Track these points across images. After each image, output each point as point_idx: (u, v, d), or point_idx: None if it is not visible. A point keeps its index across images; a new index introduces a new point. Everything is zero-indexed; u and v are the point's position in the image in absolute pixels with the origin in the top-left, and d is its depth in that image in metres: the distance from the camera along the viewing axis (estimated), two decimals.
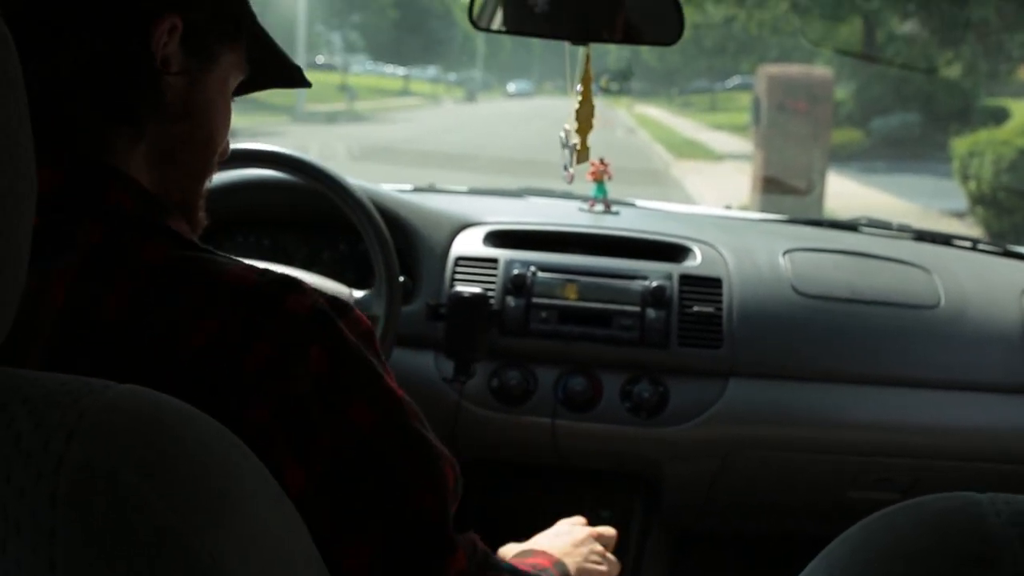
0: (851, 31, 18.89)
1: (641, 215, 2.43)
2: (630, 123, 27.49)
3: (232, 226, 2.23)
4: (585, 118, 1.56)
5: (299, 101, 24.69)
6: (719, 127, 24.74)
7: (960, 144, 11.50)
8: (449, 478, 0.91)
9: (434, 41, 37.16)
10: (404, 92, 36.85)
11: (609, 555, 1.37)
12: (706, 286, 2.09)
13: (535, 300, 2.06)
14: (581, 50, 1.59)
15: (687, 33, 1.58)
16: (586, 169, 2.37)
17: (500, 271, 2.10)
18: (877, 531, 0.61)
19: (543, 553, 1.26)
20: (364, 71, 38.08)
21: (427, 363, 2.06)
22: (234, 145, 1.87)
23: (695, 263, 2.14)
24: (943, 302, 2.11)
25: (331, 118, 24.80)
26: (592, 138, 1.61)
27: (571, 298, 2.07)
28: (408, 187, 2.50)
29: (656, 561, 2.19)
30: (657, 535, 2.18)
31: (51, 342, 0.83)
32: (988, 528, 0.56)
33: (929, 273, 2.18)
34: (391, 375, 0.90)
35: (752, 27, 18.41)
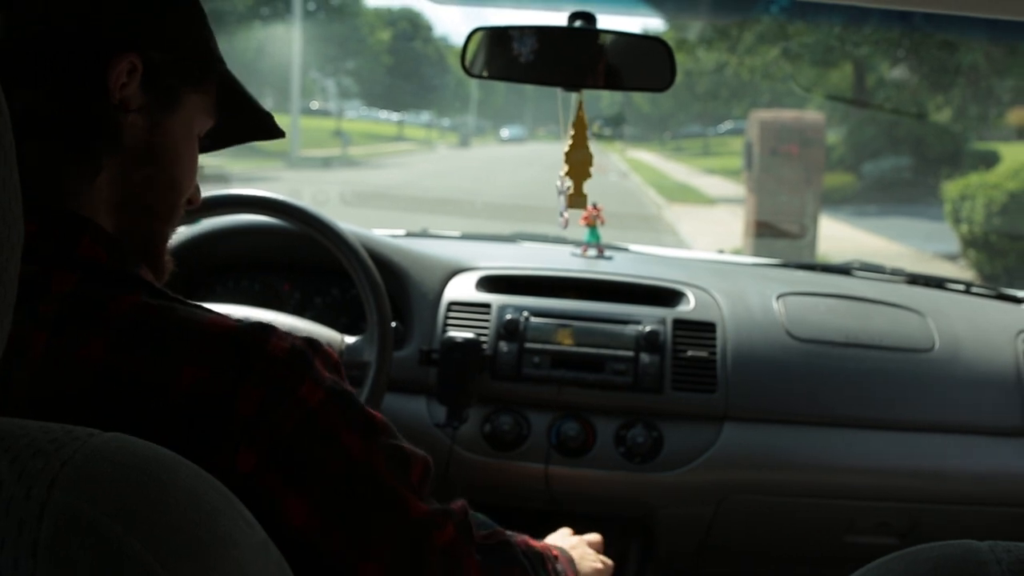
0: (842, 76, 19.07)
1: (634, 260, 2.43)
2: (623, 167, 27.62)
3: (224, 271, 2.23)
4: (578, 164, 1.56)
5: (293, 146, 24.83)
6: (712, 171, 24.89)
7: (952, 187, 11.58)
8: (417, 471, 0.96)
9: (428, 87, 37.46)
10: (398, 137, 37.08)
11: (603, 557, 1.46)
12: (700, 330, 2.09)
13: (528, 345, 2.06)
14: (574, 96, 1.60)
15: (679, 78, 1.59)
16: (580, 214, 2.37)
17: (493, 316, 2.10)
18: None
19: (544, 543, 1.30)
20: (358, 116, 38.33)
21: (419, 408, 2.05)
22: (227, 191, 1.89)
23: (689, 307, 2.14)
24: (937, 346, 2.11)
25: (326, 163, 24.92)
26: (586, 183, 1.61)
27: (564, 343, 2.06)
28: (401, 232, 2.50)
29: None
30: None
31: (31, 391, 0.83)
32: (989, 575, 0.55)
33: (923, 317, 2.18)
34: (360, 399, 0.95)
35: (744, 73, 18.55)
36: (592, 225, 2.40)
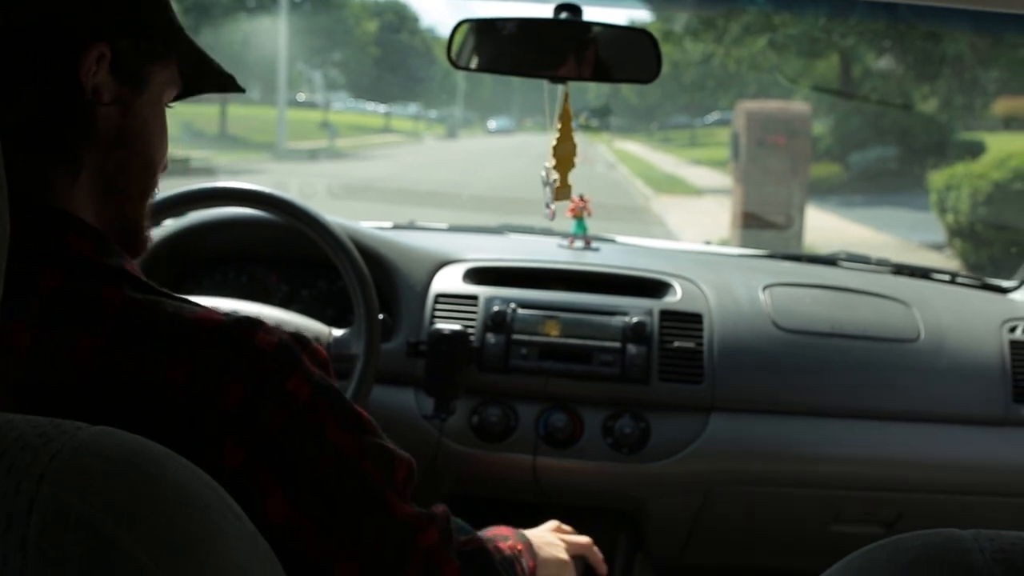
0: (828, 67, 19.09)
1: (621, 251, 2.44)
2: (610, 158, 27.61)
3: (211, 264, 2.22)
4: (565, 155, 1.56)
5: (280, 138, 24.75)
6: (699, 162, 24.89)
7: (937, 178, 11.61)
8: (402, 473, 0.96)
9: (415, 79, 37.38)
10: (385, 129, 36.99)
11: (577, 537, 1.51)
12: (687, 322, 2.09)
13: (515, 337, 2.06)
14: (560, 88, 1.60)
15: (666, 69, 1.59)
16: (567, 206, 2.37)
17: (480, 308, 2.10)
18: (861, 567, 0.61)
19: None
20: (345, 108, 38.21)
21: (407, 400, 2.05)
22: (213, 183, 1.89)
23: (675, 299, 2.14)
24: (923, 335, 2.12)
25: (312, 155, 24.84)
26: (572, 174, 1.61)
27: (551, 335, 2.07)
28: (388, 224, 2.50)
29: None
30: (641, 570, 2.17)
31: (17, 388, 0.83)
32: (972, 563, 0.56)
33: (908, 307, 2.19)
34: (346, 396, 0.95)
35: (731, 63, 18.58)
36: (579, 217, 2.40)
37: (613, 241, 2.53)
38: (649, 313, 2.09)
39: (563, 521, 2.17)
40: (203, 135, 23.06)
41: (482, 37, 1.60)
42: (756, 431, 2.03)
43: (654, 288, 2.19)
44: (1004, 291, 2.39)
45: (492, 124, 43.00)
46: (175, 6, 1.00)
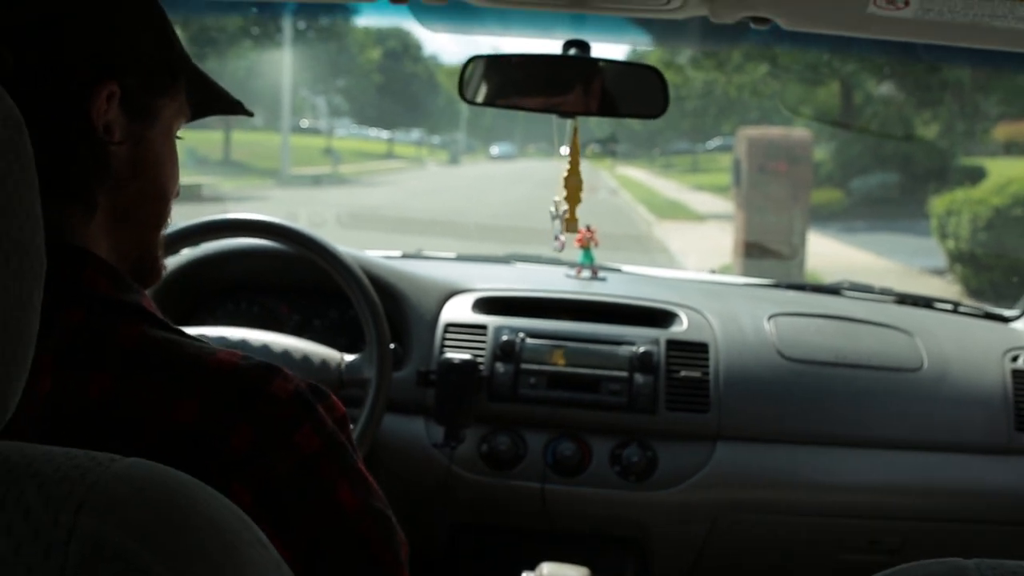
0: (829, 93, 19.13)
1: (628, 281, 2.46)
2: (613, 184, 27.59)
3: (224, 294, 2.24)
4: (574, 189, 1.59)
5: (284, 165, 24.78)
6: (701, 188, 24.87)
7: (938, 203, 11.61)
8: (404, 551, 0.94)
9: (418, 105, 37.44)
10: (388, 155, 37.00)
11: None
12: (693, 351, 2.11)
13: (524, 366, 2.08)
14: (569, 121, 1.63)
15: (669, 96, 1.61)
16: (574, 237, 2.40)
17: (489, 337, 2.12)
18: None
19: None
20: (349, 134, 38.23)
21: (417, 429, 2.07)
22: (226, 215, 1.92)
23: (682, 328, 2.16)
24: (926, 365, 2.14)
25: (316, 181, 24.84)
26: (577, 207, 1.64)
27: (559, 364, 2.09)
28: (396, 253, 2.52)
29: None
30: None
31: (40, 425, 0.83)
32: None
33: (911, 336, 2.21)
34: (360, 458, 0.93)
35: (732, 90, 18.64)
36: (586, 247, 2.43)
37: (619, 271, 2.55)
38: (656, 343, 2.11)
39: (571, 548, 2.19)
40: (207, 161, 23.09)
41: (492, 72, 1.63)
42: (762, 460, 2.05)
43: (661, 318, 2.21)
44: (1006, 320, 2.41)
45: (495, 150, 42.96)
46: (180, 35, 1.00)
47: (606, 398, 2.06)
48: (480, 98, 1.64)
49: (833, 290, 2.51)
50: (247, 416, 0.84)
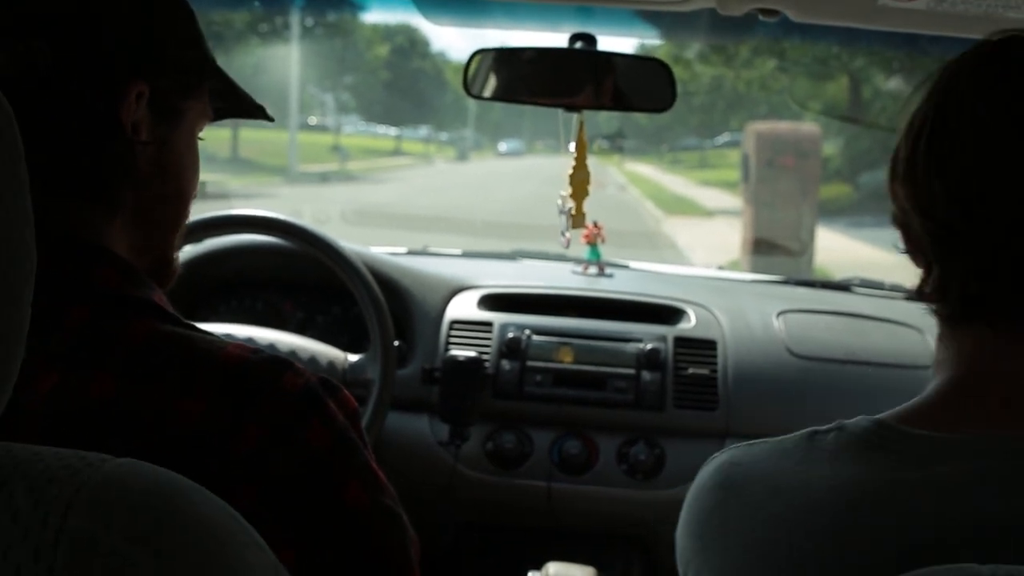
0: (838, 88, 19.10)
1: (635, 277, 2.44)
2: (621, 180, 27.59)
3: (227, 290, 2.24)
4: (580, 185, 1.57)
5: (292, 162, 24.82)
6: (709, 184, 24.87)
7: None
8: (416, 550, 0.92)
9: (425, 102, 37.50)
10: (396, 152, 37.05)
11: None
12: (701, 348, 2.10)
13: (530, 363, 2.07)
14: (575, 115, 1.61)
15: (676, 91, 1.60)
16: (581, 232, 2.38)
17: (495, 334, 2.10)
18: None
19: None
20: (356, 131, 38.27)
21: (422, 427, 2.06)
22: (229, 211, 1.90)
23: (689, 325, 2.15)
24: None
25: (324, 178, 24.88)
26: (585, 201, 1.62)
27: (566, 361, 2.07)
28: (402, 250, 2.51)
29: None
30: None
31: (43, 422, 0.82)
32: None
33: (922, 333, 2.19)
34: (371, 455, 0.91)
35: (740, 85, 18.63)
36: (593, 243, 2.41)
37: (627, 267, 2.53)
38: (663, 340, 2.09)
39: (577, 547, 2.17)
40: (215, 158, 23.14)
41: (498, 66, 1.61)
42: None
43: (668, 315, 2.20)
44: None
45: (503, 146, 42.98)
46: None
47: (613, 395, 2.04)
48: (485, 92, 1.63)
49: (843, 286, 2.49)
50: (255, 413, 0.83)
